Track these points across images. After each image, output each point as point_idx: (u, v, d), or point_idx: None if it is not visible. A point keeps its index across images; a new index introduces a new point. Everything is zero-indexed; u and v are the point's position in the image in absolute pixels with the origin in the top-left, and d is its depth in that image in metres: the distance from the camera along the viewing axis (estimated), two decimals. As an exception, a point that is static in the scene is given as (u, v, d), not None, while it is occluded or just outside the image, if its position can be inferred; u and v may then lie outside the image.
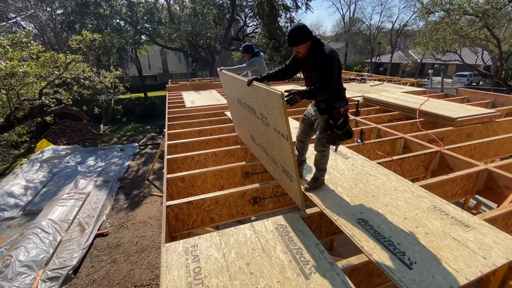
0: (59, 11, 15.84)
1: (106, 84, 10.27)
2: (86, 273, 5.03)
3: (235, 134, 4.16)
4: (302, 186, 2.55)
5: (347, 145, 3.54)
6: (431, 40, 14.27)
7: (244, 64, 4.06)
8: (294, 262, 1.74)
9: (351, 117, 4.76)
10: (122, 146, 11.53)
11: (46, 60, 6.93)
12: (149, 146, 12.02)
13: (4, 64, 5.87)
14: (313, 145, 2.51)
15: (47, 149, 9.93)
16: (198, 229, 2.63)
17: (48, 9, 15.43)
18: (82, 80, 8.77)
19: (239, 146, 3.76)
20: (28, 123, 9.53)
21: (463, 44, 15.46)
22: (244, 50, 4.05)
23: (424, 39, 14.91)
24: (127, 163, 9.86)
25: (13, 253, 4.90)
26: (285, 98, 1.91)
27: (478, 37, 12.59)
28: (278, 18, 17.21)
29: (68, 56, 7.31)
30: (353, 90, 7.05)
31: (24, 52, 6.58)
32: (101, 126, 12.41)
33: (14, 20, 13.89)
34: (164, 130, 5.13)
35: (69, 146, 10.67)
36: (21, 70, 6.16)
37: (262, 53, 4.10)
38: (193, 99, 6.82)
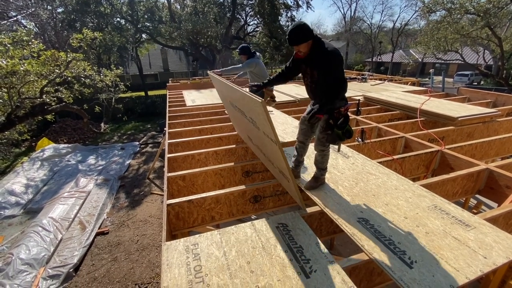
0: (59, 10, 15.85)
1: (107, 82, 10.26)
2: (87, 271, 5.05)
3: (235, 133, 4.16)
4: (302, 185, 2.56)
5: (348, 144, 3.54)
6: (432, 39, 14.24)
7: (240, 65, 4.04)
8: (295, 260, 1.74)
9: (352, 116, 4.76)
10: (122, 145, 11.54)
11: (47, 59, 6.93)
12: (150, 145, 12.03)
13: (5, 63, 5.87)
14: (313, 144, 2.50)
15: (48, 148, 9.95)
16: (198, 227, 2.63)
17: (49, 7, 15.43)
18: (83, 79, 8.77)
19: (239, 145, 3.76)
20: (29, 122, 9.54)
21: (464, 44, 15.44)
22: (241, 51, 4.00)
23: (425, 38, 14.88)
24: (127, 162, 9.87)
25: (14, 251, 4.92)
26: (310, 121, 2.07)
27: (480, 37, 12.56)
28: (279, 17, 17.20)
29: (69, 55, 7.31)
30: (354, 89, 7.04)
31: (25, 51, 6.57)
32: (102, 124, 12.41)
33: (15, 18, 13.89)
34: (165, 128, 5.13)
35: (69, 145, 10.69)
36: (22, 68, 6.16)
37: (258, 53, 4.08)
38: (194, 98, 6.82)
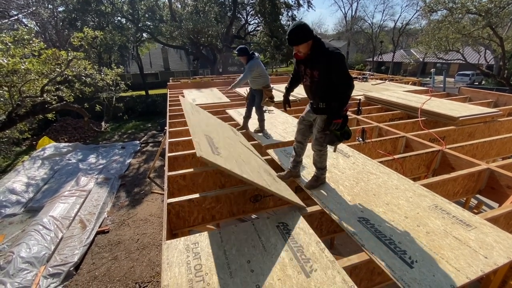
0: (60, 9, 15.87)
1: (108, 81, 10.27)
2: (87, 269, 5.05)
3: (236, 132, 4.15)
4: (302, 185, 2.56)
5: (348, 143, 3.54)
6: (433, 39, 14.19)
7: (241, 75, 3.95)
8: (295, 260, 1.74)
9: (353, 115, 4.76)
10: (123, 144, 11.55)
11: (48, 57, 6.93)
12: (150, 144, 12.04)
13: (6, 61, 5.87)
14: (310, 144, 2.49)
15: (48, 147, 9.96)
16: (199, 226, 2.63)
17: (50, 6, 15.44)
18: (84, 78, 8.78)
19: (240, 144, 3.75)
20: (30, 120, 9.56)
21: (465, 43, 15.38)
22: (240, 53, 3.90)
23: (427, 38, 14.83)
24: (128, 161, 9.88)
25: (14, 250, 4.93)
26: (331, 128, 2.11)
27: (481, 36, 12.51)
28: (280, 16, 17.19)
29: (69, 54, 7.30)
30: (355, 89, 7.00)
31: (26, 49, 6.57)
32: (103, 123, 12.42)
33: (16, 17, 13.90)
34: (165, 127, 5.13)
35: (70, 144, 10.71)
36: (23, 67, 6.16)
37: (257, 54, 4.00)
38: (195, 97, 6.82)
